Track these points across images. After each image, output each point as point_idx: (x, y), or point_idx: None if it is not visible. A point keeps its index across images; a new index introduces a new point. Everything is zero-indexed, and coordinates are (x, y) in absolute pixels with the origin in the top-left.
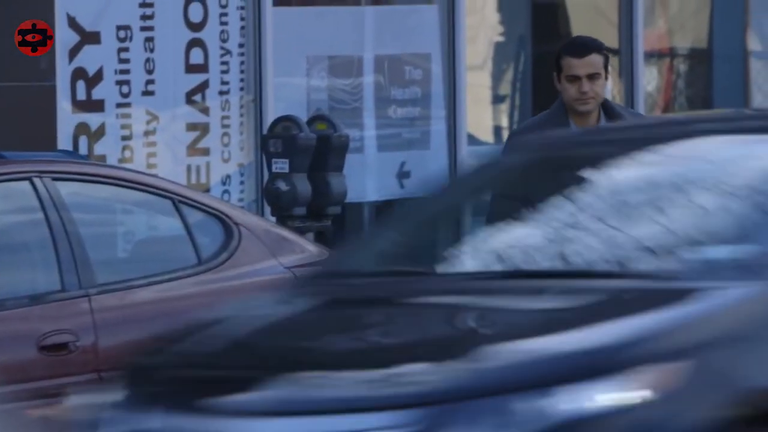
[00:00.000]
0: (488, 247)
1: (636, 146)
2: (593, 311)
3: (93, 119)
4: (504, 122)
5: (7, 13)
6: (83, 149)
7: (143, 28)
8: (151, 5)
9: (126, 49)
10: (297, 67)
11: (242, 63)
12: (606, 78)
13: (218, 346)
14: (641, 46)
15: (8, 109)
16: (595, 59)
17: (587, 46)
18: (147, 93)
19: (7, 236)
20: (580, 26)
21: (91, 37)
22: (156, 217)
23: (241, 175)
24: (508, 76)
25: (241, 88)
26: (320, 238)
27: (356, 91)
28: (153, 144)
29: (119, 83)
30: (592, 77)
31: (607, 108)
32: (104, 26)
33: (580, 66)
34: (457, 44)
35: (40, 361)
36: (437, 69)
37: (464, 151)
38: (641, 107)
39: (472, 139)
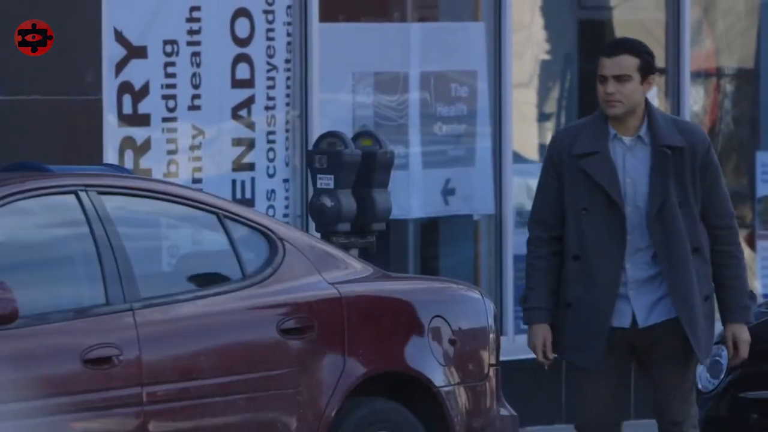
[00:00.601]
0: None
1: None
2: None
3: (139, 133)
4: (549, 140)
5: (54, 28)
6: (129, 163)
7: (190, 43)
8: (197, 20)
9: (173, 64)
10: (343, 83)
11: (288, 78)
12: (644, 83)
13: None
14: (688, 66)
15: (54, 122)
16: (626, 61)
17: (619, 45)
18: (193, 108)
19: (52, 250)
20: None
21: (137, 52)
22: (201, 232)
23: (286, 190)
24: (555, 93)
25: (287, 104)
26: (365, 255)
27: (402, 107)
28: (198, 158)
29: (165, 97)
30: (620, 79)
31: (651, 117)
32: (151, 40)
33: (607, 66)
34: (504, 61)
35: (84, 374)
36: (483, 86)
37: (509, 168)
38: None
39: (518, 157)
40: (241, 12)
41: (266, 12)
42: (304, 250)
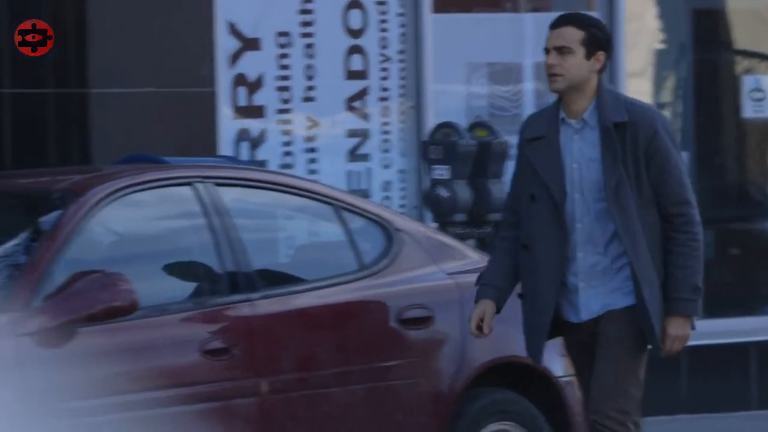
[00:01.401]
0: None
1: None
2: None
3: (254, 125)
4: None
5: (167, 22)
6: (244, 155)
7: (303, 35)
8: (310, 12)
9: (286, 56)
10: (456, 73)
11: (402, 69)
12: (590, 59)
13: None
14: None
15: (169, 115)
16: (569, 32)
17: (563, 17)
18: (307, 99)
19: (170, 241)
20: (741, 33)
21: (251, 44)
22: (317, 223)
23: (402, 181)
24: (669, 83)
25: (401, 95)
26: (481, 245)
27: (516, 98)
28: (314, 150)
29: (280, 89)
30: (562, 51)
31: (600, 98)
32: (264, 33)
33: (551, 37)
34: (617, 51)
35: (203, 365)
36: None
37: None
38: None
39: None
40: (354, 4)
41: (379, 3)
42: (420, 241)
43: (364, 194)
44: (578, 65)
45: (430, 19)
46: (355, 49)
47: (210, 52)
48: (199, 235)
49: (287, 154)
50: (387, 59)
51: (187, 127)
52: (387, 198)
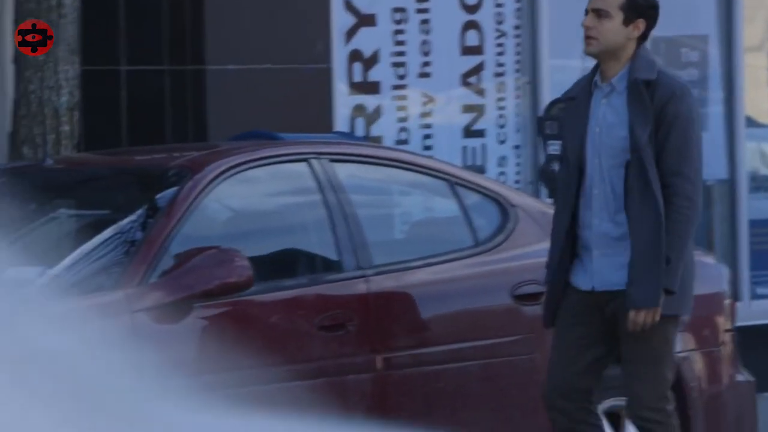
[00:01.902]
0: None
1: None
2: None
3: (369, 101)
4: None
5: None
6: (360, 131)
7: (418, 11)
8: None
9: (401, 32)
10: (572, 49)
11: (518, 45)
12: (629, 25)
13: None
14: None
15: (285, 91)
16: None
17: None
18: (423, 75)
19: (285, 217)
20: None
21: (367, 20)
22: (432, 199)
23: (517, 156)
24: None
25: (517, 70)
26: None
27: None
28: (428, 126)
29: (395, 65)
30: (600, 14)
31: (633, 63)
32: (380, 9)
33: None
34: (734, 25)
35: (319, 340)
36: (714, 51)
37: (742, 133)
38: None
39: (750, 122)
40: None
41: None
42: (535, 217)
43: (480, 170)
44: (614, 30)
45: None
46: (471, 25)
47: (326, 28)
48: (315, 211)
49: (402, 130)
50: (502, 34)
51: (302, 104)
52: (502, 174)
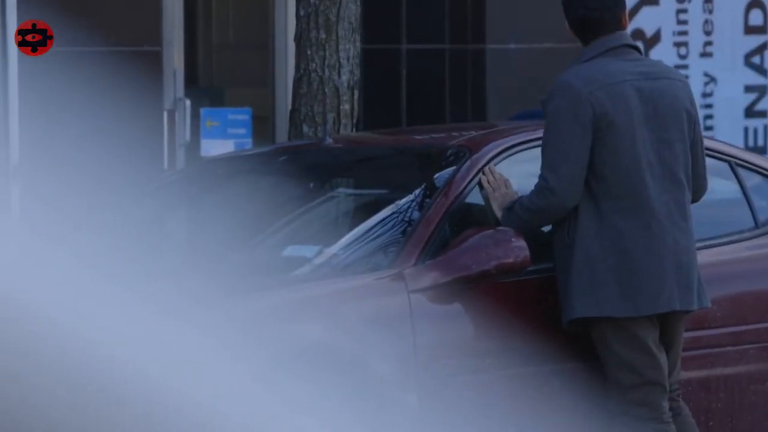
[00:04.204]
0: None
1: None
2: None
3: None
4: None
5: None
6: None
7: None
8: None
9: (684, 11)
10: None
11: None
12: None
13: None
14: None
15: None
16: None
17: None
18: (705, 54)
19: None
20: None
21: None
22: (713, 180)
23: None
24: None
25: None
26: None
27: None
28: (710, 106)
29: (677, 45)
30: None
31: None
32: None
33: None
34: None
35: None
36: None
37: None
38: None
39: None
40: None
41: None
42: None
43: (761, 151)
44: None
45: None
46: (755, 4)
47: None
48: None
49: None
50: None
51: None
52: None
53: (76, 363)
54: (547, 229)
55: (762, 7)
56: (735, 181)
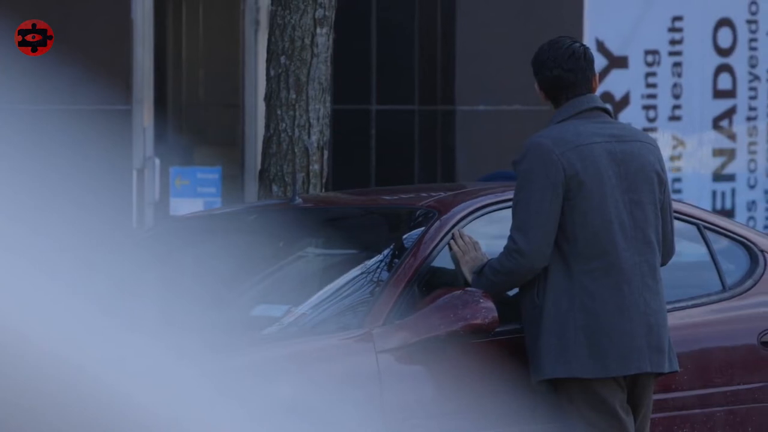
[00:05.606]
0: None
1: None
2: None
3: None
4: None
5: (535, 40)
6: None
7: (671, 53)
8: (680, 30)
9: (653, 74)
10: None
11: None
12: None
13: None
14: None
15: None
16: None
17: None
18: (674, 118)
19: None
20: None
21: (619, 62)
22: (682, 243)
23: (767, 201)
24: None
25: None
26: None
27: None
28: (678, 169)
29: (646, 108)
30: None
31: None
32: (632, 51)
33: None
34: None
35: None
36: None
37: None
38: None
39: None
40: (724, 22)
41: (749, 22)
42: None
43: (728, 214)
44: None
45: None
46: (724, 68)
47: None
48: None
49: None
50: (755, 78)
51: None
52: (751, 219)
53: (50, 418)
54: (514, 290)
55: (731, 71)
56: (703, 244)
